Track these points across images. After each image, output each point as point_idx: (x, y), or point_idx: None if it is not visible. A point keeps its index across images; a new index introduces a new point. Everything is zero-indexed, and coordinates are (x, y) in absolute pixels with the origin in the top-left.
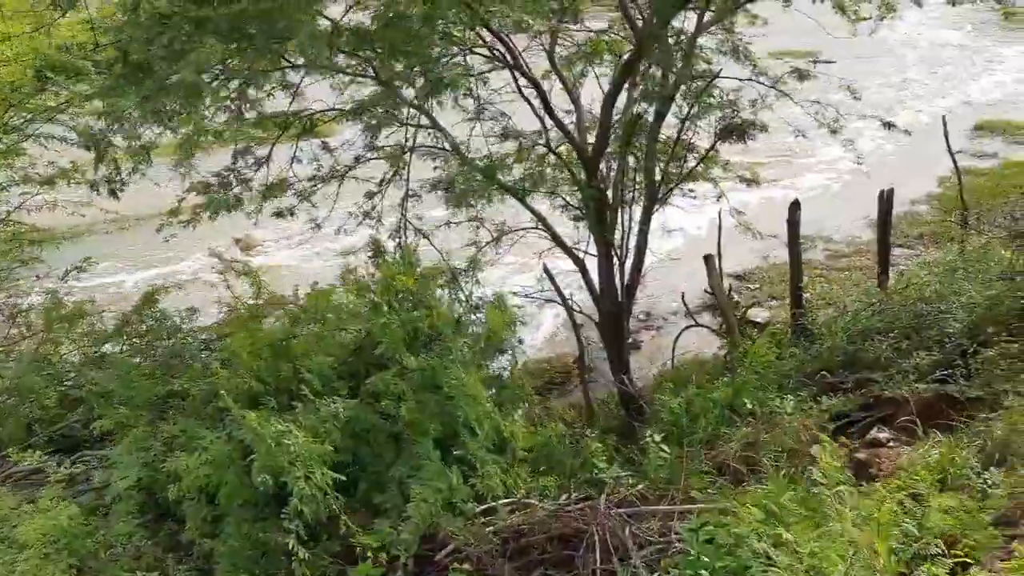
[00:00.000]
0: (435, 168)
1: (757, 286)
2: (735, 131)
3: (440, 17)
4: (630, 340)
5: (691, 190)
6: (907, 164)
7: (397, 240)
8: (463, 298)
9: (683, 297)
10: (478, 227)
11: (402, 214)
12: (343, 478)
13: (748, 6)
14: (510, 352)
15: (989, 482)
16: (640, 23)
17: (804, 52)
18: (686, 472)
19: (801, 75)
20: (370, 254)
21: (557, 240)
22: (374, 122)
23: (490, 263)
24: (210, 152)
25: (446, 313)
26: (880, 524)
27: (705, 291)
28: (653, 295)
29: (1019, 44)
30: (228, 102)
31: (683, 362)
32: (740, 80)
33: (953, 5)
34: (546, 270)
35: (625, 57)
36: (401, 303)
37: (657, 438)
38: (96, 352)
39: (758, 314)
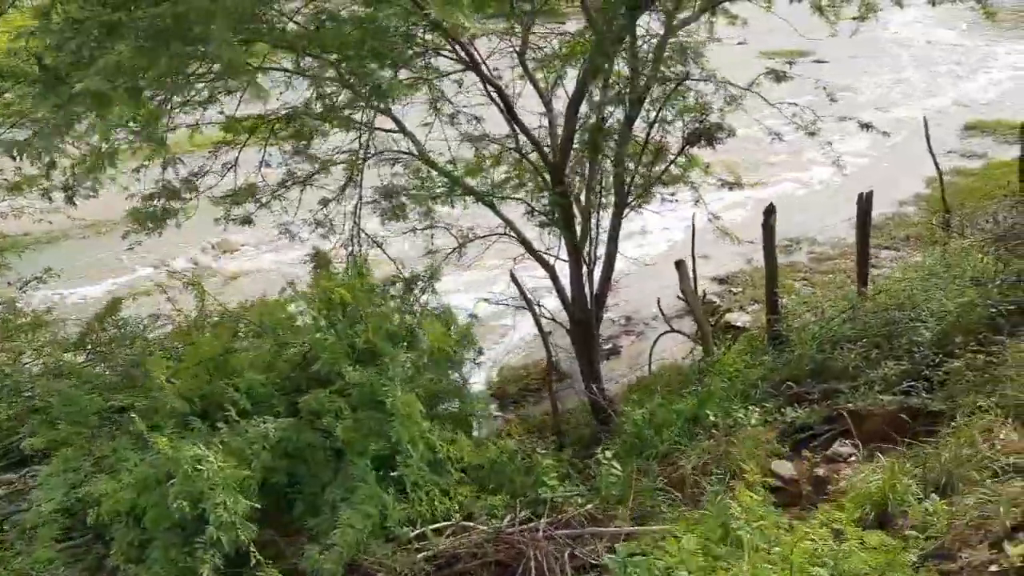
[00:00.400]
0: (393, 175)
1: (740, 289)
2: (703, 135)
3: (372, 20)
4: (609, 346)
5: (672, 194)
6: (896, 164)
7: (349, 249)
8: (416, 309)
9: (659, 303)
10: (431, 236)
11: (355, 222)
12: (258, 506)
13: (728, 6)
14: (471, 364)
15: (929, 510)
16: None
17: (798, 51)
18: (636, 491)
19: (777, 77)
20: (312, 265)
21: (527, 246)
22: (305, 129)
23: (462, 269)
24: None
25: (385, 326)
26: (793, 566)
27: (678, 297)
28: (630, 300)
29: (1012, 43)
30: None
31: (662, 368)
32: (712, 82)
33: (933, 5)
34: (513, 277)
35: (588, 60)
36: (344, 316)
37: (608, 454)
38: (56, 363)
39: (739, 318)
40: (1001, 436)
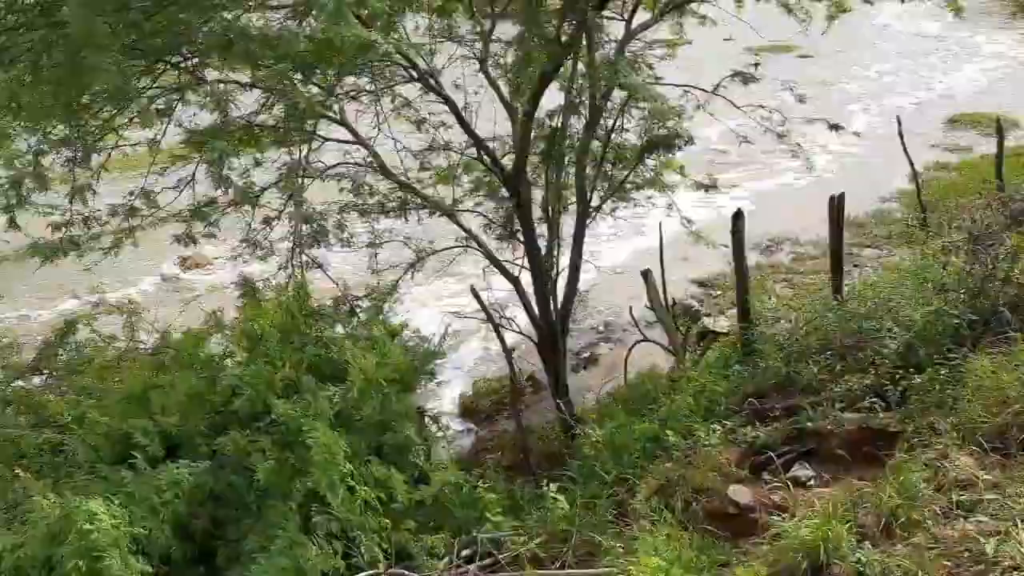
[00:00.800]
0: (341, 190)
1: (720, 293)
2: (660, 143)
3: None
4: (587, 354)
5: (648, 197)
6: (881, 160)
7: (289, 272)
8: (362, 332)
9: (631, 311)
10: (374, 255)
11: (295, 243)
12: (150, 569)
13: (697, 7)
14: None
15: (863, 561)
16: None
17: (784, 47)
18: (583, 526)
19: (744, 79)
20: (240, 293)
21: (490, 257)
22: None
23: (435, 279)
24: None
25: (306, 359)
26: None
27: (646, 307)
28: (609, 306)
29: (997, 33)
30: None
31: (640, 376)
32: (677, 87)
33: (902, 2)
34: (473, 291)
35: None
36: (276, 346)
37: (553, 487)
38: (4, 388)
39: (718, 323)
40: (955, 462)
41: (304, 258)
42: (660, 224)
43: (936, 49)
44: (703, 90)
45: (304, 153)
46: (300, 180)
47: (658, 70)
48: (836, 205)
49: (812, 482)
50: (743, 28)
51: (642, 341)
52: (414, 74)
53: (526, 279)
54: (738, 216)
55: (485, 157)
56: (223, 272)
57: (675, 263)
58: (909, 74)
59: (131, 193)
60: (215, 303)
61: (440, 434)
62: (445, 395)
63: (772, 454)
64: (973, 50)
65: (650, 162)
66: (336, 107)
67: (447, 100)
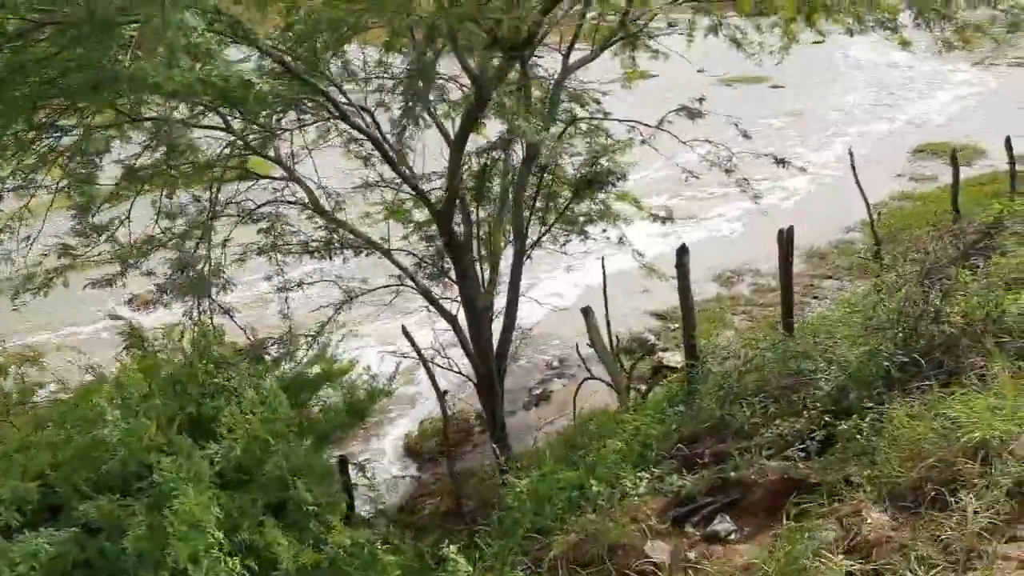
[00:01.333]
0: (259, 231)
1: (678, 325)
2: (593, 180)
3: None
4: (539, 391)
5: (604, 231)
6: (846, 190)
7: (194, 318)
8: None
9: (577, 348)
10: (285, 299)
11: (204, 286)
12: None
13: (650, 41)
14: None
15: None
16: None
17: (755, 77)
18: None
19: (690, 114)
20: (124, 344)
21: (427, 296)
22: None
23: (378, 319)
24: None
25: (178, 417)
26: None
27: (588, 345)
28: (564, 340)
29: (965, 64)
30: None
31: (592, 413)
32: (622, 122)
33: (851, 35)
34: (404, 331)
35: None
36: (162, 399)
37: (454, 548)
38: None
39: (672, 358)
40: (868, 521)
41: (220, 302)
42: (603, 259)
43: (905, 79)
44: (647, 125)
45: (216, 192)
46: (209, 220)
47: (623, 102)
48: (785, 240)
49: (732, 536)
50: (716, 59)
51: (589, 379)
52: (334, 111)
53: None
54: (683, 251)
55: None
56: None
57: (634, 295)
58: (878, 104)
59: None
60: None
61: (368, 482)
62: (390, 435)
63: (696, 505)
64: (941, 80)
65: (602, 195)
66: (273, 144)
67: (371, 137)
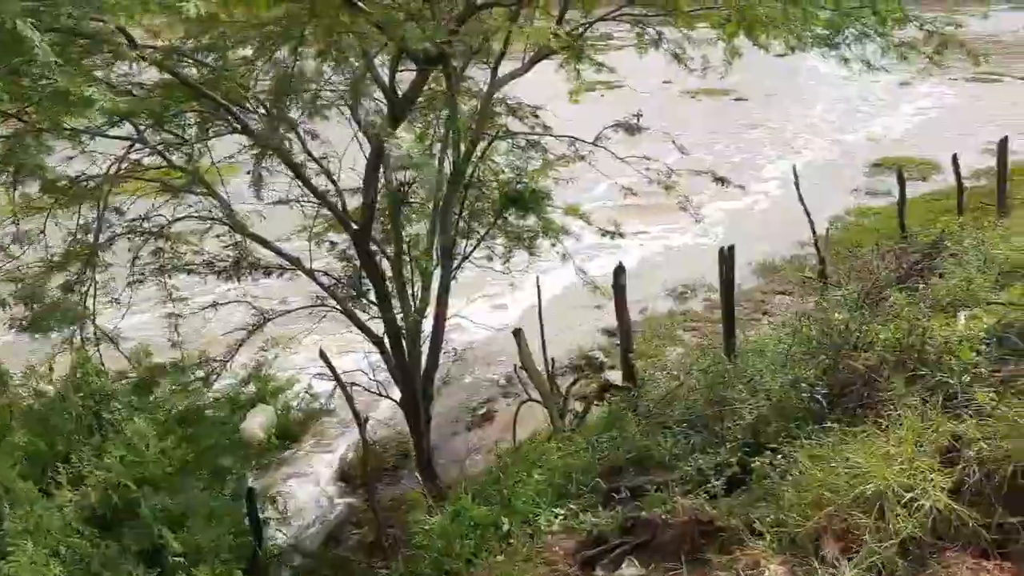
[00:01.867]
0: (153, 252)
1: None
2: (515, 201)
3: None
4: (483, 410)
5: (553, 245)
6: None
7: (71, 344)
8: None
9: (516, 368)
10: (175, 326)
11: (86, 313)
12: None
13: (592, 54)
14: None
15: None
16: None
17: (721, 90)
18: None
19: (630, 130)
20: None
21: (351, 317)
22: None
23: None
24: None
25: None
26: None
27: (516, 367)
28: (512, 357)
29: (927, 79)
30: None
31: (534, 435)
32: (557, 137)
33: (791, 51)
34: (322, 354)
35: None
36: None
37: None
38: None
39: (619, 377)
40: (765, 574)
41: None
42: (538, 279)
43: (867, 93)
44: (584, 141)
45: (102, 210)
46: (95, 240)
47: (587, 112)
48: (725, 259)
49: None
50: (682, 70)
51: (527, 401)
52: (236, 124)
53: None
54: (619, 271)
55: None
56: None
57: (586, 311)
58: (839, 117)
59: None
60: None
61: (279, 516)
62: (325, 458)
63: (606, 546)
64: (902, 94)
65: (531, 215)
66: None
67: (277, 151)
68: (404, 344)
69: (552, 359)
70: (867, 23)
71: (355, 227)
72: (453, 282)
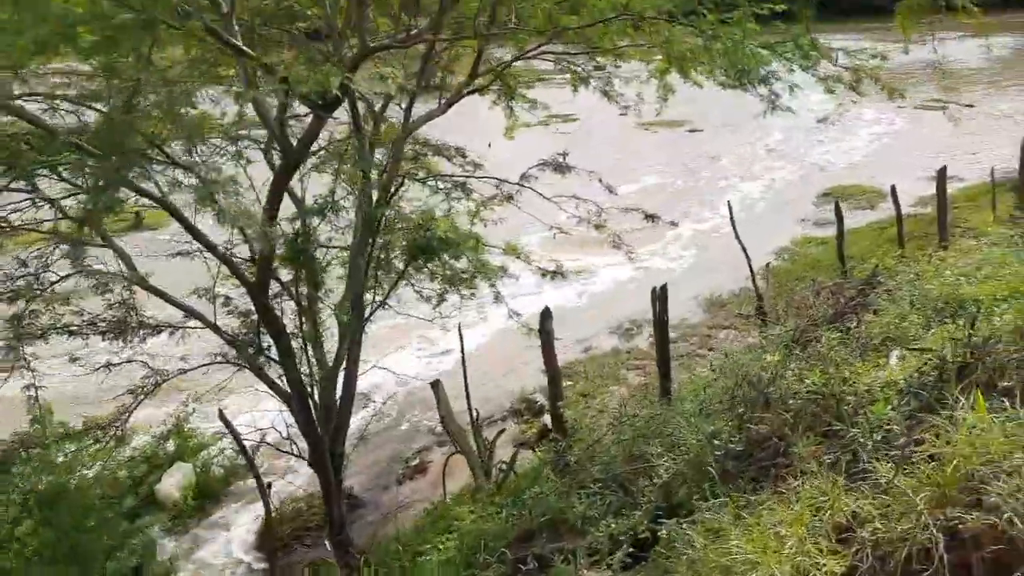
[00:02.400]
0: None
1: (571, 383)
2: (424, 249)
3: None
4: (416, 462)
5: (492, 284)
6: (750, 235)
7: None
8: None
9: (442, 421)
10: (33, 398)
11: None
12: None
13: (526, 92)
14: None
15: None
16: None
17: (676, 121)
18: None
19: (558, 168)
20: None
21: (259, 373)
22: None
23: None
24: None
25: None
26: None
27: (441, 421)
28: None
29: (882, 107)
30: None
31: (464, 489)
32: (483, 179)
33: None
34: (221, 415)
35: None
36: None
37: None
38: None
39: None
40: None
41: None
42: (459, 326)
43: (819, 123)
44: (509, 182)
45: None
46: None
47: (534, 150)
48: (658, 299)
49: None
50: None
51: (455, 453)
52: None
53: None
54: (545, 315)
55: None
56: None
57: (529, 351)
58: (792, 146)
59: None
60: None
61: None
62: (242, 520)
63: None
64: (852, 123)
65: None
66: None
67: (158, 200)
68: (311, 401)
69: (477, 410)
70: (791, 57)
71: (251, 280)
72: (389, 325)
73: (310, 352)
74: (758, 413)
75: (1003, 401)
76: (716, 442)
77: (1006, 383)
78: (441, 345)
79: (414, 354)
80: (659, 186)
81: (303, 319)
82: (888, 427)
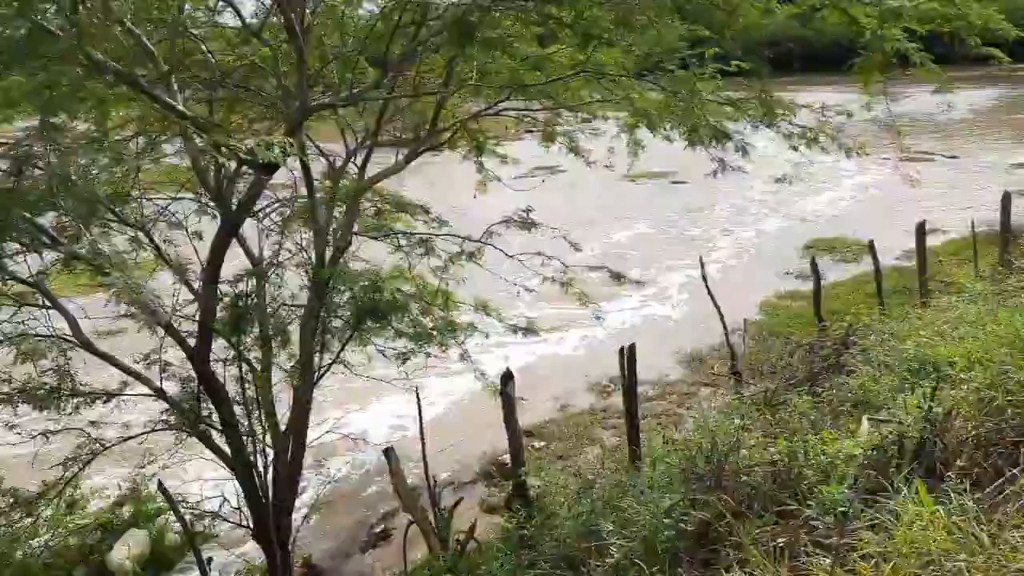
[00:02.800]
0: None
1: (544, 444)
2: (371, 312)
3: None
4: (380, 528)
5: (462, 343)
6: (733, 288)
7: None
8: None
9: (396, 489)
10: None
11: None
12: None
13: (492, 145)
14: None
15: None
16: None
17: (661, 173)
18: None
19: (524, 224)
20: None
21: (204, 440)
22: None
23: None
24: None
25: None
26: None
27: (395, 488)
28: (412, 465)
29: (863, 160)
30: None
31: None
32: (439, 235)
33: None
34: (160, 487)
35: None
36: None
37: None
38: None
39: (532, 482)
40: None
41: None
42: (416, 389)
43: (804, 174)
44: (470, 240)
45: None
46: None
47: (519, 202)
48: (626, 359)
49: None
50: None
51: (412, 523)
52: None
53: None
54: (507, 377)
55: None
56: None
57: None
58: (776, 197)
59: None
60: None
61: None
62: None
63: None
64: (835, 175)
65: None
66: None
67: (78, 257)
68: (255, 471)
69: (434, 478)
70: (754, 114)
71: (192, 346)
72: (356, 384)
73: (254, 419)
74: (712, 489)
75: (961, 482)
76: (667, 521)
77: (962, 463)
78: (412, 404)
79: (383, 413)
80: (643, 237)
81: (244, 385)
82: (843, 508)
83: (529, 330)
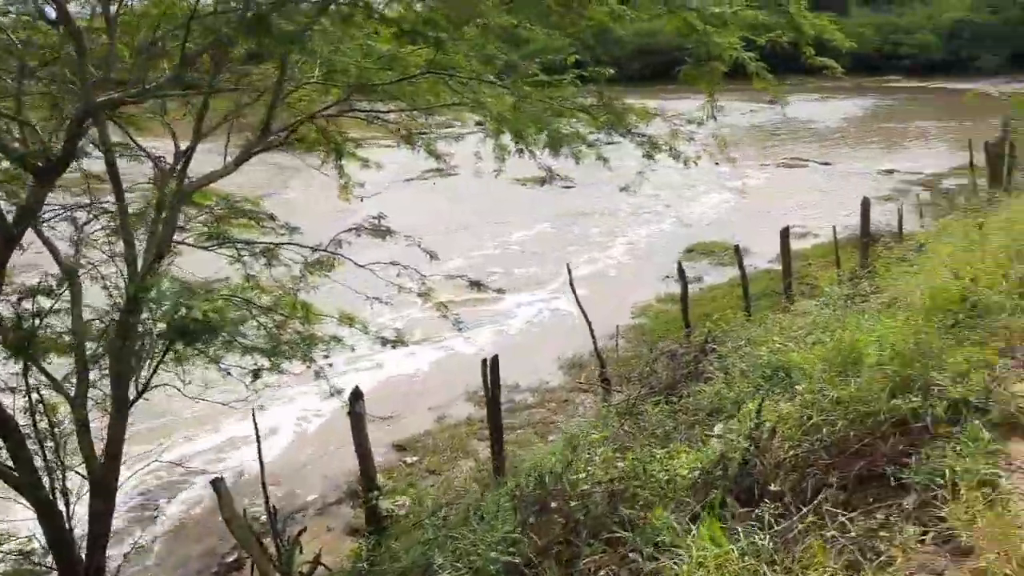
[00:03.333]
0: None
1: (417, 458)
2: (182, 332)
3: None
4: (233, 558)
5: (326, 355)
6: (616, 293)
7: None
8: None
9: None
10: None
11: None
12: None
13: (353, 148)
14: None
15: None
16: None
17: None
18: None
19: (377, 231)
20: None
21: (7, 477)
22: None
23: None
24: None
25: None
26: None
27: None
28: (285, 489)
29: (747, 167)
30: None
31: None
32: (278, 245)
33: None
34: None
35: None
36: None
37: None
38: None
39: (394, 505)
40: None
41: None
42: (253, 412)
43: (688, 181)
44: (321, 250)
45: None
46: None
47: (413, 205)
48: (489, 368)
49: None
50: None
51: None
52: None
53: None
54: (356, 396)
55: None
56: None
57: (375, 424)
58: (659, 203)
59: None
60: None
61: None
62: None
63: None
64: (717, 181)
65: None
66: None
67: None
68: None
69: (275, 507)
70: (606, 122)
71: None
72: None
73: (48, 451)
74: (540, 514)
75: (778, 507)
76: (493, 554)
77: (774, 488)
78: (269, 425)
79: (242, 435)
80: (534, 237)
81: (35, 416)
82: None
83: (398, 342)
